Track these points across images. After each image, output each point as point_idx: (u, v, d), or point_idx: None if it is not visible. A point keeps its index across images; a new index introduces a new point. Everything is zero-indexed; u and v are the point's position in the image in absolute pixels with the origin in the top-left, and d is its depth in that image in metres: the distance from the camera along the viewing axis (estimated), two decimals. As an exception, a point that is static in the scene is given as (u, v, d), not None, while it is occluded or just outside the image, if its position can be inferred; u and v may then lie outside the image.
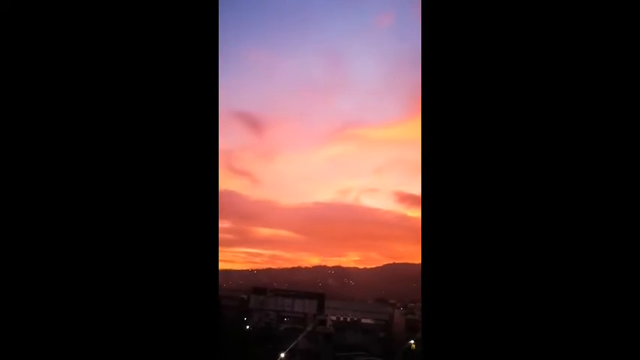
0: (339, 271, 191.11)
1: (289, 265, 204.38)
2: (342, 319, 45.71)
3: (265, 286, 55.45)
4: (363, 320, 43.55)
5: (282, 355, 23.60)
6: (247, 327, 35.41)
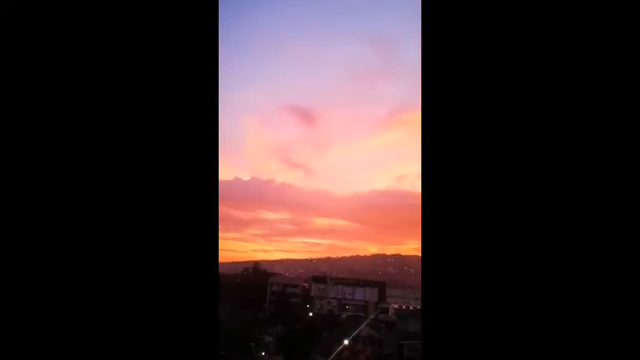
0: (398, 259, 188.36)
1: (348, 254, 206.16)
2: (404, 307, 45.27)
3: (325, 275, 56.64)
4: (426, 309, 42.56)
5: (346, 341, 24.13)
6: (311, 314, 36.63)
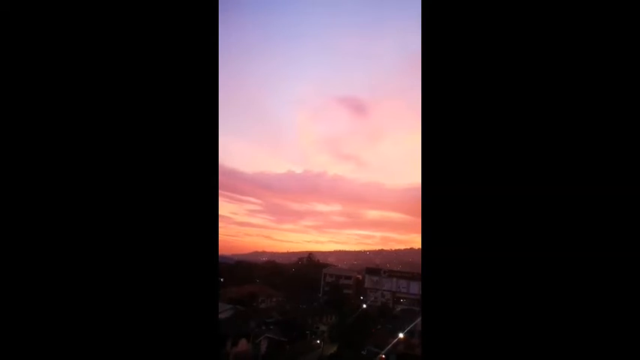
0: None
1: (401, 247, 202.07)
2: (462, 303, 43.42)
3: (378, 267, 56.23)
4: (487, 305, 40.52)
5: (401, 335, 23.85)
6: (364, 305, 36.72)
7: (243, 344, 20.40)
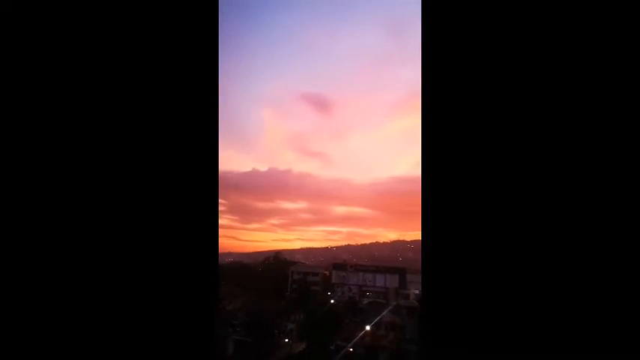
0: (418, 244, 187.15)
1: (367, 241, 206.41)
2: (425, 292, 45.10)
3: (345, 262, 56.97)
4: (448, 294, 42.35)
5: (368, 327, 24.31)
6: (332, 301, 37.04)
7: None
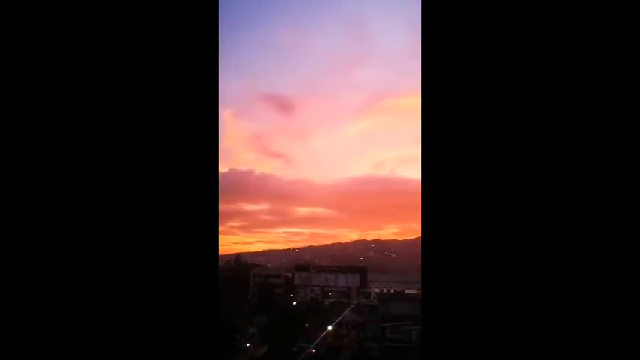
0: (379, 244, 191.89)
1: (329, 242, 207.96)
2: (385, 290, 46.33)
3: (308, 263, 57.08)
4: (407, 291, 43.88)
5: (330, 327, 24.53)
6: (294, 302, 36.94)
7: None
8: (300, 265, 53.82)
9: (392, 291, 45.52)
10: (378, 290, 46.43)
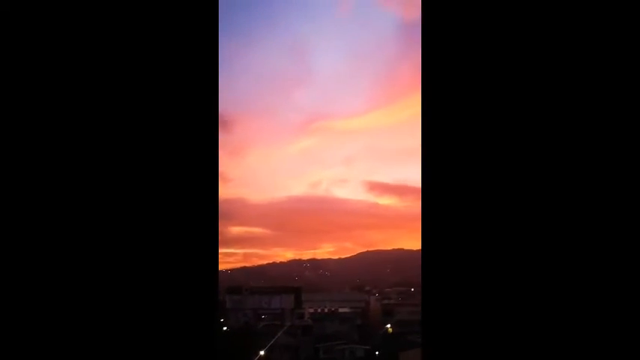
0: (314, 263, 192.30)
1: (264, 262, 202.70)
2: (319, 310, 46.34)
3: (241, 285, 54.98)
4: (341, 310, 44.47)
5: (262, 352, 23.71)
6: (225, 328, 35.10)
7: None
8: (233, 287, 51.64)
9: (326, 310, 45.75)
10: (312, 310, 46.31)
